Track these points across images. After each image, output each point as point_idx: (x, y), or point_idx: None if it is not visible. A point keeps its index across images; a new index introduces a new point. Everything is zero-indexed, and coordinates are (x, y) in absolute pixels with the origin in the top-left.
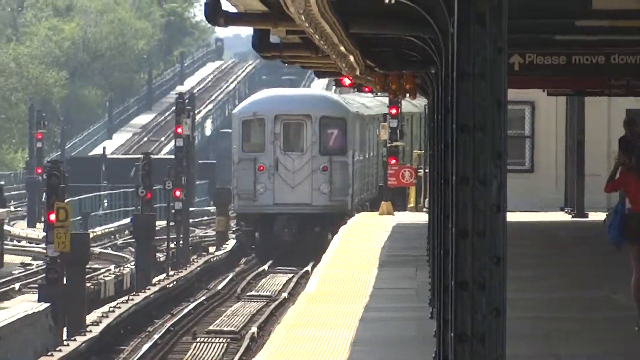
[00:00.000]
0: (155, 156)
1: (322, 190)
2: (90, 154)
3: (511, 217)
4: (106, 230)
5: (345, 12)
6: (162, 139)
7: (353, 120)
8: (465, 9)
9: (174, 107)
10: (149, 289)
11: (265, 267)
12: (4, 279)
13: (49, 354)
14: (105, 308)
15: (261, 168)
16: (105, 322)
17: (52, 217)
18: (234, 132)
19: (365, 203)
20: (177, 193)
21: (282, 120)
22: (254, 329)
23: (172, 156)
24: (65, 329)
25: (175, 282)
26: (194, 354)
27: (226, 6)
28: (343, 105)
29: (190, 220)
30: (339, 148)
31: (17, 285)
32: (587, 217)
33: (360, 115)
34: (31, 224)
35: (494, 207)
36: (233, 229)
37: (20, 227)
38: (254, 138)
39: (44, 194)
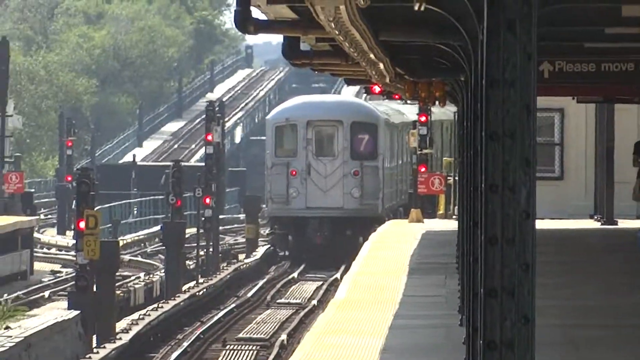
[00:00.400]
0: (186, 163)
1: (353, 194)
2: (120, 161)
3: (540, 224)
4: (136, 238)
5: (375, 20)
6: (193, 146)
7: (384, 126)
8: (495, 15)
9: (204, 115)
10: (178, 296)
11: (295, 274)
12: (34, 287)
13: None
14: (135, 315)
15: (294, 173)
16: (134, 330)
17: (82, 224)
18: (267, 137)
19: (398, 208)
20: (207, 200)
21: (314, 126)
22: (283, 337)
23: (202, 163)
24: (94, 337)
25: (205, 290)
26: None
27: (256, 14)
28: (374, 111)
29: (220, 228)
30: (369, 153)
31: (47, 293)
32: (616, 224)
33: (390, 122)
34: (61, 232)
35: (524, 214)
36: (265, 234)
37: (50, 235)
38: (286, 143)
39: (74, 201)
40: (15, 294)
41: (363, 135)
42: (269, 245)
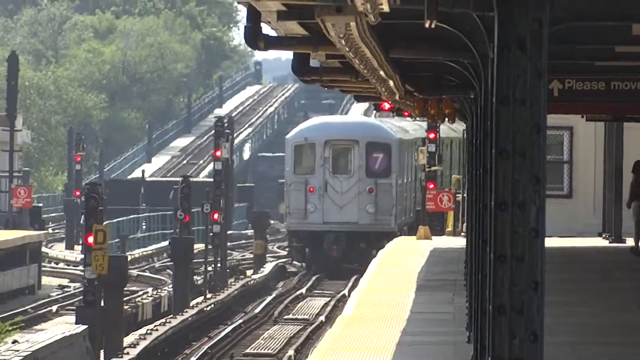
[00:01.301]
0: (194, 179)
1: (368, 210)
2: (129, 176)
3: (549, 242)
4: (144, 253)
5: (386, 37)
6: (201, 162)
7: (397, 145)
8: (506, 33)
9: (212, 131)
10: (186, 311)
11: (303, 290)
12: (42, 301)
13: None
14: (142, 330)
15: (312, 189)
16: (142, 345)
17: (91, 239)
18: (286, 155)
19: (412, 223)
20: (216, 216)
21: (331, 145)
22: (291, 352)
23: (211, 179)
24: (102, 351)
25: (212, 305)
26: None
27: (266, 30)
28: (388, 131)
29: (228, 243)
30: (383, 171)
31: (54, 308)
32: (624, 242)
33: (403, 140)
34: (69, 246)
35: (533, 232)
36: (274, 248)
37: (58, 249)
38: (305, 161)
39: (82, 216)
40: (18, 310)
41: (378, 154)
42: (286, 259)
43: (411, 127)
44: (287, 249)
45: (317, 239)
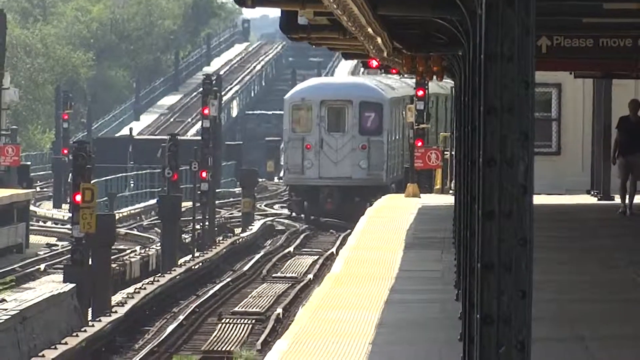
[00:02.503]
0: (182, 137)
1: (361, 165)
2: (117, 134)
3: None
4: (132, 211)
5: None
6: (189, 120)
7: (389, 104)
8: None
9: (200, 89)
10: (174, 270)
11: (291, 248)
12: (30, 260)
13: (74, 334)
14: (130, 289)
15: (308, 146)
16: (130, 303)
17: (78, 198)
18: (285, 115)
19: (391, 184)
20: (204, 174)
21: (326, 105)
22: (279, 311)
23: (199, 137)
24: (90, 310)
25: (200, 264)
26: (219, 335)
27: None
28: (380, 91)
29: (216, 202)
30: (375, 129)
31: (42, 266)
32: (613, 200)
33: (393, 100)
34: (57, 205)
35: (521, 189)
36: (279, 204)
37: (46, 208)
38: (302, 120)
39: (70, 174)
40: (6, 269)
41: (370, 114)
42: (288, 211)
43: (398, 85)
44: (287, 202)
45: (313, 192)
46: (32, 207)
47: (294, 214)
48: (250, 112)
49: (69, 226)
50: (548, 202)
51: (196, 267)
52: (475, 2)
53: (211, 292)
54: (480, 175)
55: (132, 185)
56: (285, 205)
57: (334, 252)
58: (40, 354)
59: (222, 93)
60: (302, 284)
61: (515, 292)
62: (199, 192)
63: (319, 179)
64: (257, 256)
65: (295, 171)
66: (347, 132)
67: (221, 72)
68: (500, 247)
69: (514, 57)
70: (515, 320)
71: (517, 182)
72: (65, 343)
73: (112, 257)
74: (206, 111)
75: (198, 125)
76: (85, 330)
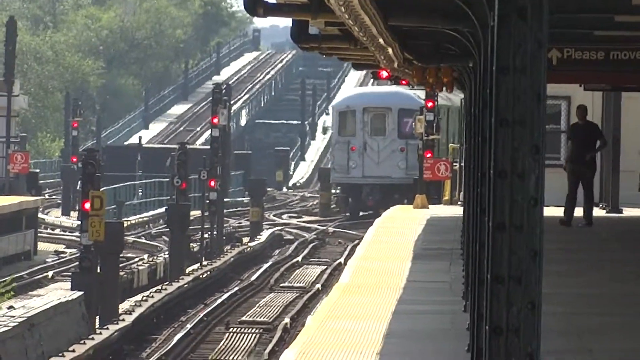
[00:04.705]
0: (191, 146)
1: (400, 166)
2: (126, 143)
3: (546, 211)
4: (140, 220)
5: (385, 4)
6: (198, 128)
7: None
8: (507, 2)
9: (210, 97)
10: (182, 278)
11: (299, 258)
12: (38, 267)
13: (82, 342)
14: (138, 297)
15: (353, 148)
16: (138, 311)
17: (87, 205)
18: (332, 120)
19: None
20: (212, 183)
21: (369, 111)
22: (287, 320)
23: (208, 146)
24: (97, 318)
25: (208, 272)
26: (227, 344)
27: None
28: (417, 99)
29: (225, 211)
30: (413, 133)
31: (50, 273)
32: (621, 212)
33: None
34: (65, 212)
35: (532, 201)
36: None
37: (54, 215)
38: (347, 125)
39: (79, 182)
40: (14, 275)
41: (408, 119)
42: (335, 206)
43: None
44: (334, 198)
45: (357, 190)
46: (40, 215)
47: (340, 209)
48: (260, 121)
49: (77, 234)
50: (556, 215)
51: (204, 276)
52: (488, 14)
53: (219, 301)
54: (491, 187)
55: (140, 193)
56: (294, 215)
57: (342, 262)
58: None
59: (232, 102)
60: (310, 293)
61: (524, 304)
62: (207, 201)
63: (363, 178)
64: (265, 265)
65: (341, 170)
66: (387, 136)
67: (231, 81)
68: (510, 259)
69: (526, 69)
70: (524, 332)
71: (528, 194)
72: (73, 351)
73: (120, 265)
74: (215, 120)
75: (207, 134)
76: (92, 338)
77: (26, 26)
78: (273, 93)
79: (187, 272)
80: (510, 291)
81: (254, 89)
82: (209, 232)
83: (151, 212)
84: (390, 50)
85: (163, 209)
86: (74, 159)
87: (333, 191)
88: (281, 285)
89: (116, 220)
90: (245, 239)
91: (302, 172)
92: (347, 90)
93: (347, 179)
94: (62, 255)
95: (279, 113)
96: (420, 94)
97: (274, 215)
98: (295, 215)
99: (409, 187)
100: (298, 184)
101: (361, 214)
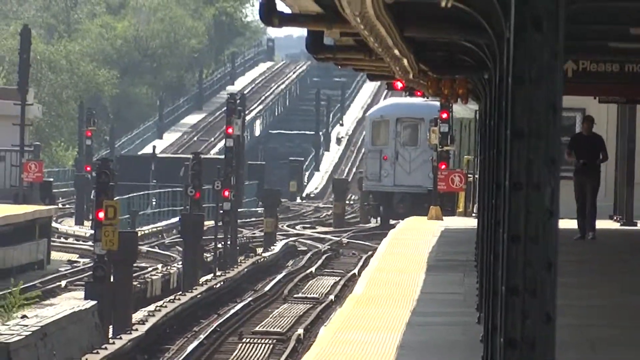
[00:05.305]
0: (205, 156)
1: (430, 175)
2: (139, 152)
3: (560, 223)
4: (154, 229)
5: (401, 15)
6: (212, 139)
7: (455, 123)
8: (523, 13)
9: (224, 107)
10: (195, 288)
11: (313, 269)
12: (51, 276)
13: (95, 351)
14: (151, 307)
15: (385, 158)
16: (151, 321)
17: (101, 215)
18: (366, 130)
19: None
20: (226, 193)
21: (401, 122)
22: (300, 331)
23: (222, 156)
24: (111, 327)
25: (222, 283)
26: (240, 355)
27: (281, 7)
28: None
29: (239, 221)
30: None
31: (63, 283)
32: (635, 225)
33: (457, 119)
34: (79, 222)
35: (547, 213)
36: (281, 232)
37: (68, 225)
38: (380, 135)
39: (93, 191)
40: (27, 285)
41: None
42: (365, 214)
43: (461, 108)
44: (365, 206)
45: (388, 198)
46: (54, 224)
47: (371, 217)
48: (274, 131)
49: (90, 243)
50: (571, 227)
51: (217, 286)
52: (503, 25)
53: (232, 311)
54: (506, 199)
55: (154, 203)
56: (308, 225)
57: (356, 274)
58: None
59: (246, 112)
60: (323, 304)
61: (539, 316)
62: (221, 211)
63: (394, 186)
64: (279, 276)
65: (374, 179)
66: (419, 146)
67: (245, 91)
68: (525, 271)
69: (542, 81)
70: (539, 345)
71: (544, 206)
72: None
73: (134, 275)
74: (230, 130)
75: (221, 144)
76: (105, 348)
77: (40, 35)
78: (287, 103)
79: (200, 282)
80: (525, 303)
81: (268, 99)
82: (223, 242)
83: (165, 222)
84: (405, 61)
85: (177, 219)
86: (88, 168)
87: (347, 202)
88: (295, 296)
89: (130, 229)
90: (259, 249)
91: (316, 182)
92: (382, 101)
93: (379, 187)
94: (75, 264)
95: (293, 123)
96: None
97: (287, 226)
98: (309, 225)
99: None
100: (312, 195)
101: (392, 221)
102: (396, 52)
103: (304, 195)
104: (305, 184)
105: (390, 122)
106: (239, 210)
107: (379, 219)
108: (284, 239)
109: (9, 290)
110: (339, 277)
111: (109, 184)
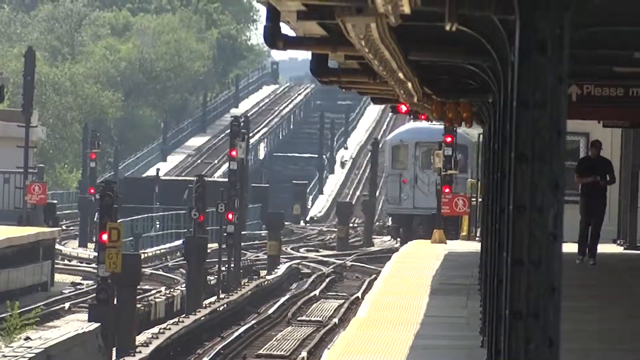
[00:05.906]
0: (209, 179)
1: None
2: (143, 175)
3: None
4: (158, 252)
5: (405, 39)
6: (216, 161)
7: (472, 146)
8: (527, 37)
9: (228, 130)
10: (199, 311)
11: (317, 292)
12: (55, 298)
13: None
14: (155, 329)
15: (405, 181)
16: (155, 344)
17: (105, 237)
18: (385, 153)
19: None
20: (230, 216)
21: (421, 146)
22: (304, 354)
23: (226, 179)
24: (114, 350)
25: (225, 305)
26: None
27: (285, 30)
28: (465, 136)
29: (242, 244)
30: (462, 167)
31: (67, 305)
32: (639, 249)
33: (474, 143)
34: (83, 244)
35: (551, 237)
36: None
37: (71, 247)
38: (400, 158)
39: (97, 214)
40: (30, 307)
41: (457, 154)
42: (388, 237)
43: (476, 133)
44: (386, 228)
45: (408, 220)
46: (57, 246)
47: (392, 238)
48: (278, 154)
49: (94, 265)
50: (574, 251)
51: (221, 308)
52: (508, 49)
53: (236, 334)
54: (509, 223)
55: (157, 225)
56: (311, 248)
57: (360, 297)
58: None
59: (250, 135)
60: (327, 327)
61: (542, 340)
62: (225, 233)
63: (414, 209)
64: (283, 299)
65: (394, 202)
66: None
67: (249, 114)
68: (528, 295)
69: (546, 104)
70: None
71: (547, 229)
72: None
73: (137, 297)
74: (234, 153)
75: (225, 167)
76: None
77: (45, 57)
78: (291, 126)
79: (204, 304)
80: (528, 327)
81: (273, 122)
82: (226, 265)
83: (168, 245)
84: (409, 84)
85: (180, 242)
86: (92, 191)
87: (351, 224)
88: (298, 319)
89: (133, 252)
90: (263, 272)
91: (319, 205)
92: (401, 126)
93: (399, 209)
94: (79, 286)
95: (297, 146)
96: (469, 131)
97: (291, 249)
98: (313, 248)
99: (457, 219)
100: (315, 218)
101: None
102: (400, 75)
103: (307, 218)
104: (309, 207)
105: (410, 147)
106: (242, 232)
107: (398, 240)
108: (287, 261)
109: (9, 313)
110: (343, 300)
111: (113, 206)
